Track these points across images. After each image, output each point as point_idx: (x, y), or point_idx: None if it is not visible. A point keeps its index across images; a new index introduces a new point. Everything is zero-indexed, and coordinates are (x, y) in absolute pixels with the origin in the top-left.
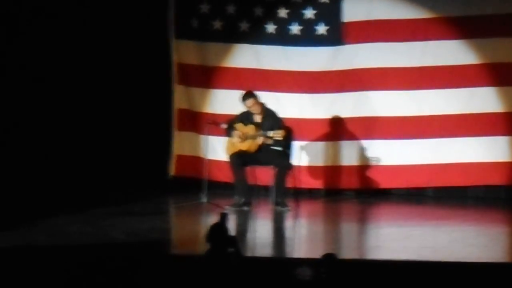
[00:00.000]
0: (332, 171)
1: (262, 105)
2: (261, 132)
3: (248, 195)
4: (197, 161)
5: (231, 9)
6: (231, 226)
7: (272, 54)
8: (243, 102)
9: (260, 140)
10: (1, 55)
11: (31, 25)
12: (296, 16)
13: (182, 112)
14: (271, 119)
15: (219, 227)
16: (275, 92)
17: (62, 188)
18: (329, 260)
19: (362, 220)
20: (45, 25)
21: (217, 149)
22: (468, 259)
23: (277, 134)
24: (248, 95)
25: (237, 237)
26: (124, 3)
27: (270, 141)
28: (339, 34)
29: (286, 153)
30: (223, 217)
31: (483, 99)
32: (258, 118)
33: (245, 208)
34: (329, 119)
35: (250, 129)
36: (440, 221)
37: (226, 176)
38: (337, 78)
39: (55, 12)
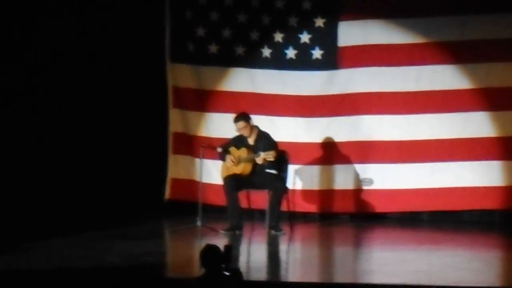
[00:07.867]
0: (327, 195)
1: (254, 128)
2: (253, 154)
3: (239, 219)
4: (192, 185)
5: (227, 33)
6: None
7: (267, 78)
8: (234, 124)
9: (257, 159)
10: None
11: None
12: (291, 40)
13: (178, 135)
14: (264, 141)
15: (213, 250)
16: (271, 116)
17: (58, 211)
18: None
19: (357, 244)
20: (42, 46)
21: (212, 172)
22: (462, 284)
23: (268, 155)
24: (240, 117)
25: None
26: (120, 26)
27: (265, 163)
28: (334, 59)
29: (281, 177)
30: (227, 249)
31: (478, 124)
32: (251, 141)
33: (237, 232)
34: (324, 143)
35: (242, 152)
36: (434, 246)
37: (221, 199)
38: (332, 102)
39: (52, 35)
